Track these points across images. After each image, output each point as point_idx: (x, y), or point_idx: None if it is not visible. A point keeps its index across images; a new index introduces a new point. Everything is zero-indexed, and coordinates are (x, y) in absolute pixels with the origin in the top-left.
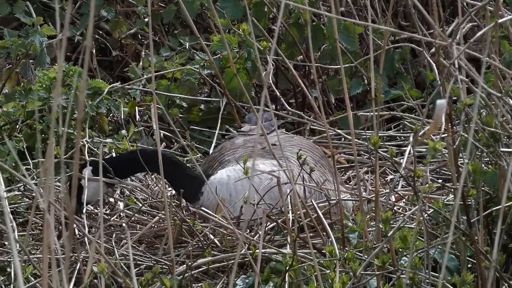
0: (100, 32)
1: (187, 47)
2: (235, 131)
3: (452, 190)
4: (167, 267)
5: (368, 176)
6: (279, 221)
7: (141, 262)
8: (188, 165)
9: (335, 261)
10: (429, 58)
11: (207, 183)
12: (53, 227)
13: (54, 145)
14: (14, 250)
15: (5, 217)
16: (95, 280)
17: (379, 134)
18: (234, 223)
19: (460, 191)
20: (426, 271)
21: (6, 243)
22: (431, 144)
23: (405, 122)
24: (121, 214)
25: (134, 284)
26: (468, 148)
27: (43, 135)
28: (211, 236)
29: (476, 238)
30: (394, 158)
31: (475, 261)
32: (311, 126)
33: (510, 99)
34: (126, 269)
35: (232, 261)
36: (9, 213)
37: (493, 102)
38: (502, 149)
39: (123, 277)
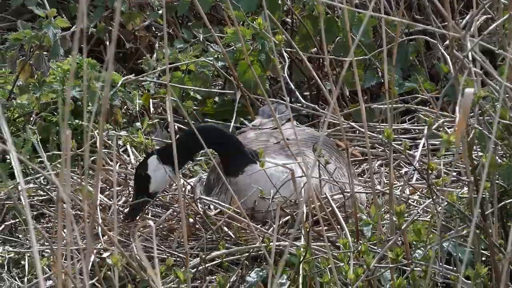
0: (113, 23)
1: (201, 39)
2: (249, 124)
3: (466, 183)
4: (181, 260)
5: (382, 169)
6: (293, 214)
7: (154, 254)
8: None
9: (349, 254)
10: (443, 51)
11: (252, 166)
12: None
13: (70, 137)
14: (34, 241)
15: (26, 209)
16: (109, 272)
17: (393, 127)
18: (248, 216)
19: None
20: (440, 264)
21: (20, 235)
22: (445, 137)
23: (419, 114)
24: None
25: (157, 273)
26: (490, 143)
27: (57, 128)
28: (225, 229)
29: (490, 231)
30: (408, 151)
31: (489, 254)
32: (325, 119)
33: None
34: (140, 261)
35: (246, 254)
36: (28, 205)
37: (507, 95)
38: None
39: (138, 269)
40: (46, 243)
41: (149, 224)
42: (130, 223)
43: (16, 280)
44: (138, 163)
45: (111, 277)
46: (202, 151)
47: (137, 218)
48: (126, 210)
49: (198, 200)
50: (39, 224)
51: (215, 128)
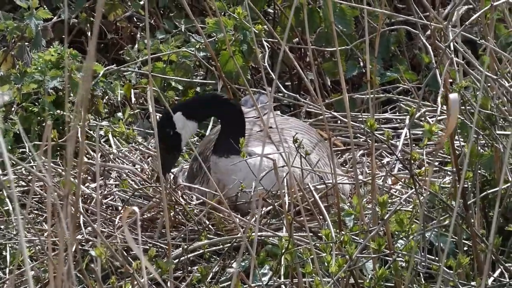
0: (95, 14)
1: (182, 30)
2: None
3: (448, 173)
4: (163, 250)
5: (364, 159)
6: (275, 204)
7: (136, 245)
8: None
9: (331, 244)
10: (424, 41)
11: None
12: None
13: (51, 127)
14: (21, 231)
15: (14, 199)
16: (91, 265)
17: (375, 117)
18: (230, 206)
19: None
20: (422, 254)
21: (2, 226)
22: (427, 127)
23: (401, 104)
24: (116, 198)
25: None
26: (472, 132)
27: (38, 118)
28: (206, 221)
29: (472, 221)
30: (390, 140)
31: (471, 244)
32: (307, 109)
33: (505, 82)
34: (124, 252)
35: (228, 244)
36: (15, 196)
37: (489, 85)
38: (498, 132)
39: (123, 262)
40: (29, 234)
41: (133, 210)
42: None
43: None
44: (161, 120)
45: (94, 269)
46: (215, 115)
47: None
48: (115, 200)
49: (180, 190)
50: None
51: (233, 105)
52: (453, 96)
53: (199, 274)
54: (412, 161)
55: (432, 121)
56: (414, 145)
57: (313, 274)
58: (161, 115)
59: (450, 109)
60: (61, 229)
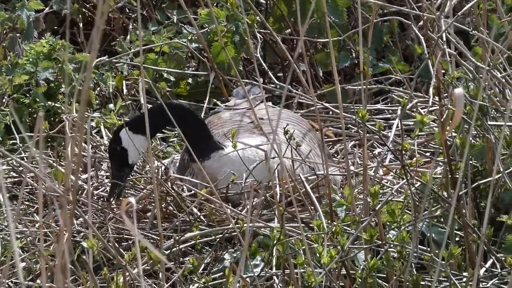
0: (87, 5)
1: (174, 21)
2: (222, 105)
3: (440, 163)
4: (154, 241)
5: (356, 150)
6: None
7: (128, 237)
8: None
9: (322, 235)
10: (417, 32)
11: (218, 152)
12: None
13: (43, 119)
14: (11, 223)
15: (2, 190)
16: (83, 256)
17: (367, 108)
18: (222, 198)
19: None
20: (414, 244)
21: None
22: (418, 118)
23: (393, 95)
24: (107, 189)
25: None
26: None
27: (30, 109)
28: (198, 212)
29: (464, 211)
30: (382, 131)
31: (462, 235)
32: (299, 100)
33: (497, 72)
34: (116, 243)
35: (220, 235)
36: (3, 187)
37: (481, 75)
38: (489, 123)
39: (116, 254)
40: (20, 226)
41: (129, 201)
42: (117, 202)
43: None
44: (111, 138)
45: (86, 260)
46: (169, 127)
47: (120, 196)
48: (107, 191)
49: (171, 181)
50: (11, 207)
51: (184, 108)
52: (458, 91)
53: (191, 266)
54: (404, 152)
55: (424, 112)
56: (405, 136)
57: (305, 265)
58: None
59: (455, 104)
60: (63, 220)
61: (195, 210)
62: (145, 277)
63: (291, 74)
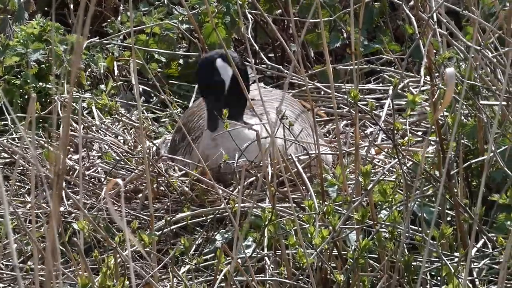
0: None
1: (165, 2)
2: None
3: (431, 142)
4: (145, 222)
5: (348, 129)
6: (258, 175)
7: (120, 217)
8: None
9: (314, 215)
10: (408, 12)
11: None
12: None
13: (35, 100)
14: (5, 203)
15: None
16: (74, 239)
17: (359, 88)
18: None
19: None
20: (405, 224)
21: None
22: (410, 97)
23: (384, 75)
24: (99, 169)
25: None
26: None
27: (21, 91)
28: (190, 192)
29: (456, 191)
30: (373, 111)
31: (454, 214)
32: (291, 80)
33: (489, 52)
34: (109, 224)
35: (211, 215)
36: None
37: (472, 55)
38: (481, 102)
39: (106, 236)
40: (11, 207)
41: (116, 182)
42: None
43: None
44: (201, 69)
45: (77, 242)
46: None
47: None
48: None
49: (162, 162)
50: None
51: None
52: (450, 70)
53: (183, 247)
54: (395, 131)
55: (416, 91)
56: (397, 115)
57: (297, 246)
58: (200, 64)
59: (446, 83)
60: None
61: (186, 189)
62: (138, 258)
63: (283, 54)
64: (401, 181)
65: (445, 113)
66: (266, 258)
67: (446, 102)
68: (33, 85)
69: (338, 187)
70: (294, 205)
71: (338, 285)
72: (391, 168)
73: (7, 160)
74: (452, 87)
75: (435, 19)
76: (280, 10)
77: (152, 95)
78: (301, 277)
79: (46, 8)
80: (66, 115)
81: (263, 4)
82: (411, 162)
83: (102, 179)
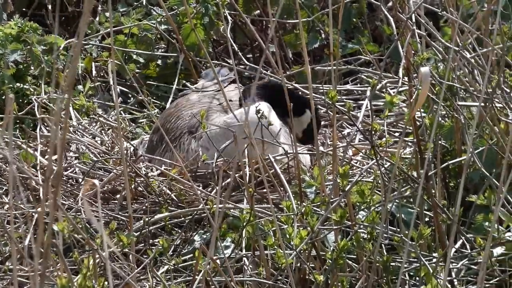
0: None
1: (144, 3)
2: (192, 86)
3: (409, 143)
4: (124, 223)
5: (325, 130)
6: (236, 176)
7: (96, 218)
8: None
9: (292, 216)
10: (386, 12)
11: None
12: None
13: (13, 101)
14: None
15: None
16: (54, 241)
17: (337, 88)
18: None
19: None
20: (384, 225)
21: None
22: (388, 98)
23: (362, 76)
24: (76, 170)
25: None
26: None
27: None
28: (168, 192)
29: (434, 191)
30: (351, 112)
31: (432, 215)
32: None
33: (467, 53)
34: (88, 226)
35: (190, 216)
36: None
37: (451, 56)
38: (459, 103)
39: (87, 237)
40: None
41: (93, 183)
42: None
43: None
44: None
45: (56, 243)
46: None
47: None
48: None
49: (141, 162)
50: None
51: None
52: (425, 69)
53: (161, 247)
54: (373, 132)
55: (394, 92)
56: (375, 116)
57: (275, 246)
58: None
59: (421, 82)
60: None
61: (165, 189)
62: (118, 259)
63: (261, 55)
64: (379, 182)
65: (423, 114)
66: (245, 259)
67: (421, 101)
68: (11, 85)
69: (316, 188)
70: (273, 206)
71: (317, 286)
72: (369, 169)
73: None
74: (427, 85)
75: (413, 20)
76: (258, 11)
77: (130, 95)
78: (280, 278)
79: (24, 9)
80: (64, 119)
81: (242, 5)
82: (388, 163)
83: (80, 180)
